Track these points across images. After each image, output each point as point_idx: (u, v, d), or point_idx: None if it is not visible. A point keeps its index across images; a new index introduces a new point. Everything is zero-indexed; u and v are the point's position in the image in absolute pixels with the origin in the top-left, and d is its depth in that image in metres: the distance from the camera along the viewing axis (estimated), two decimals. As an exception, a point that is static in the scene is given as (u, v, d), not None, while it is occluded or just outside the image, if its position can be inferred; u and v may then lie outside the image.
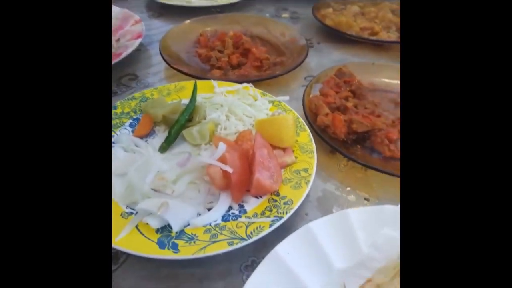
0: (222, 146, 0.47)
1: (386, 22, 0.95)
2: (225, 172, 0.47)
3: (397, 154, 0.56)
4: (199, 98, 0.62)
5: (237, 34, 0.84)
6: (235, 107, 0.59)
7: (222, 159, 0.47)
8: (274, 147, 0.53)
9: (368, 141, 0.59)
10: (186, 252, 0.40)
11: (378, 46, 0.90)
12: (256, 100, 0.63)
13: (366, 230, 0.40)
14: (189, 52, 0.83)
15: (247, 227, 0.43)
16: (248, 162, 0.50)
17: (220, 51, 0.80)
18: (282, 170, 0.51)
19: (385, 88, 0.73)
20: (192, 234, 0.42)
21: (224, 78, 0.72)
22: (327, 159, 0.58)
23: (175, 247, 0.40)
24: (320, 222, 0.41)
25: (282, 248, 0.38)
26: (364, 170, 0.56)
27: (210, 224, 0.43)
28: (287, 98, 0.65)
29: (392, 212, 0.42)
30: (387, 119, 0.63)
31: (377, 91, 0.72)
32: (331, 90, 0.67)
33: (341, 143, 0.58)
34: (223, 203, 0.45)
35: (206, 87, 0.66)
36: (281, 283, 0.36)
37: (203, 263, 0.43)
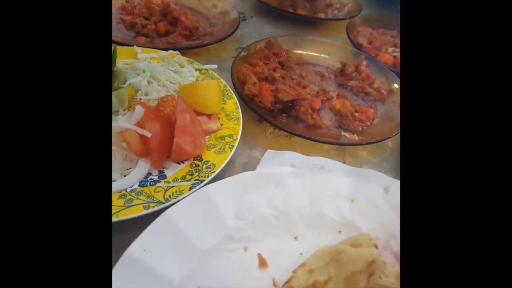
0: (139, 109, 0.45)
1: None
2: (143, 137, 0.44)
3: (320, 122, 0.58)
4: (119, 64, 0.58)
5: (165, 2, 0.79)
6: (158, 72, 0.56)
7: (140, 124, 0.45)
8: (199, 113, 0.52)
9: (293, 110, 0.60)
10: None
11: (309, 22, 0.92)
12: (182, 67, 0.61)
13: (228, 201, 0.39)
14: (113, 19, 0.77)
15: (165, 191, 0.41)
16: (170, 128, 0.48)
17: (146, 18, 0.76)
18: (207, 136, 0.51)
19: (312, 61, 0.75)
20: (105, 200, 0.40)
21: (150, 45, 0.68)
22: (253, 127, 0.59)
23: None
24: (178, 206, 0.38)
25: (137, 247, 0.34)
26: (289, 138, 0.58)
27: (126, 190, 0.41)
28: (215, 66, 0.63)
29: (250, 178, 0.41)
30: (312, 90, 0.66)
31: (305, 64, 0.74)
32: (259, 61, 0.67)
33: (267, 112, 0.58)
34: (141, 169, 0.43)
35: (129, 53, 0.62)
36: (141, 284, 0.32)
37: (119, 230, 0.40)
